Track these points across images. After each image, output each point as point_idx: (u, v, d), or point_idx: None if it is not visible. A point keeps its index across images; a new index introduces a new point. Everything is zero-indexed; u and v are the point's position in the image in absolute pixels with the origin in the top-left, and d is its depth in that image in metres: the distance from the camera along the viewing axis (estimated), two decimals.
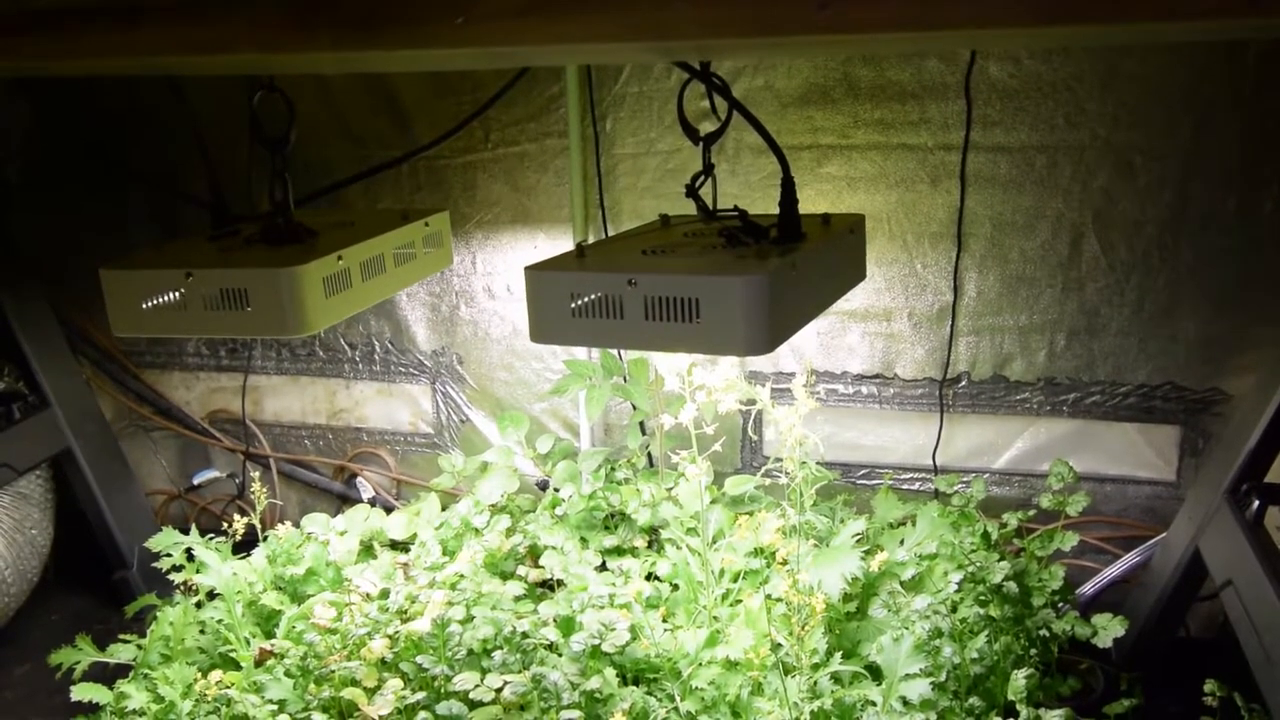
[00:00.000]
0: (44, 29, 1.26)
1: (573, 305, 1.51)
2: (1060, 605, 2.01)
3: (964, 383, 2.40)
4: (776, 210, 1.67)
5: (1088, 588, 2.26)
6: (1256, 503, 1.86)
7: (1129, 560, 2.25)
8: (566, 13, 1.12)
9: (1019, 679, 1.65)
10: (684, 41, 1.17)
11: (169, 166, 2.71)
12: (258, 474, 2.38)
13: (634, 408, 2.43)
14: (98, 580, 2.66)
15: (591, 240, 2.47)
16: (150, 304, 1.75)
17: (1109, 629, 1.93)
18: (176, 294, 1.73)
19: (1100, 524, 2.37)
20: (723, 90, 1.67)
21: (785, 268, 1.46)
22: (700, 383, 1.87)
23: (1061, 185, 2.20)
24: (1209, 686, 1.78)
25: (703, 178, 1.66)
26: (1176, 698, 1.92)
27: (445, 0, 1.15)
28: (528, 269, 1.55)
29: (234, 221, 2.01)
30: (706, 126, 1.72)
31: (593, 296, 1.49)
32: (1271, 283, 2.14)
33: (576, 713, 1.68)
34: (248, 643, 2.11)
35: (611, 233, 2.48)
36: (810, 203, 2.33)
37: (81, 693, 1.94)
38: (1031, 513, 2.16)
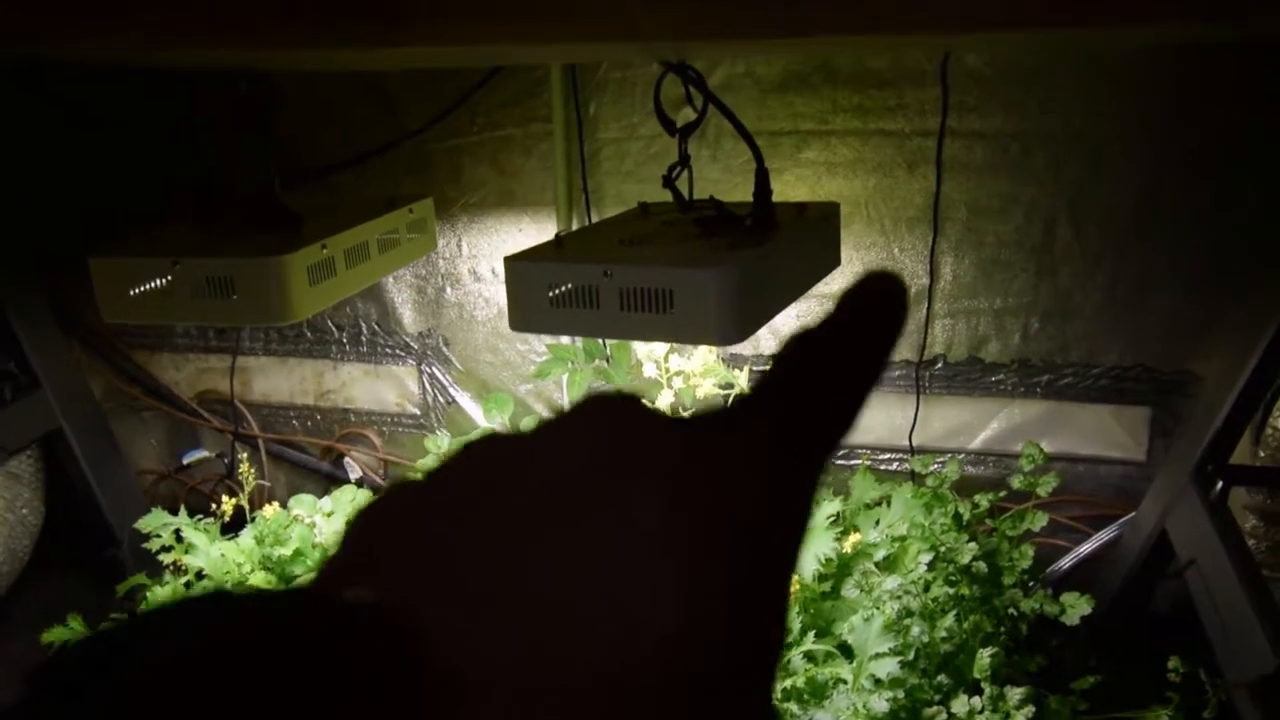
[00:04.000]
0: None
1: (550, 295, 1.54)
2: (1030, 584, 2.06)
3: (940, 365, 2.44)
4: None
5: (1061, 564, 2.31)
6: (1220, 483, 1.92)
7: (1100, 538, 2.31)
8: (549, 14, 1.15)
9: (984, 657, 1.70)
10: (663, 43, 1.20)
11: (156, 146, 2.72)
12: (246, 454, 2.42)
13: None
14: (88, 559, 2.68)
15: (575, 223, 2.51)
16: (138, 291, 1.77)
17: (1076, 608, 1.97)
18: (163, 281, 1.76)
19: (1073, 503, 2.42)
20: (699, 83, 1.70)
21: (758, 259, 1.50)
22: (678, 368, 1.91)
23: (1035, 171, 2.24)
24: (1172, 663, 1.84)
25: (679, 169, 1.69)
26: (1142, 674, 1.98)
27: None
28: (507, 259, 1.58)
29: (220, 203, 2.03)
30: (686, 115, 1.75)
31: (569, 287, 1.52)
32: (1241, 269, 2.18)
33: None
34: None
35: (595, 217, 2.51)
36: (790, 187, 2.36)
37: None
38: (1003, 493, 2.21)
